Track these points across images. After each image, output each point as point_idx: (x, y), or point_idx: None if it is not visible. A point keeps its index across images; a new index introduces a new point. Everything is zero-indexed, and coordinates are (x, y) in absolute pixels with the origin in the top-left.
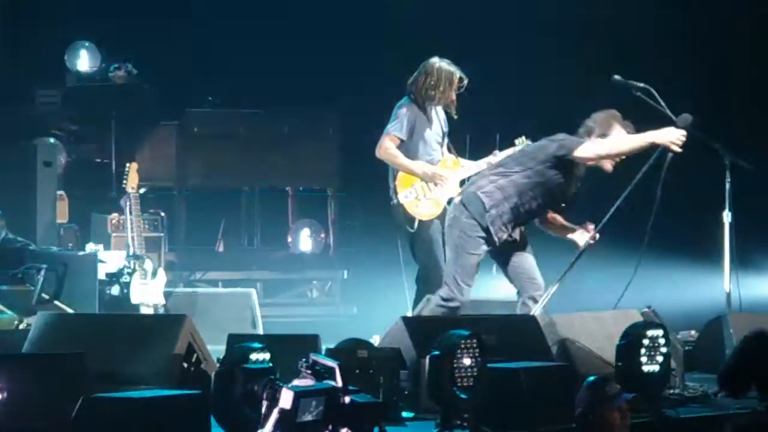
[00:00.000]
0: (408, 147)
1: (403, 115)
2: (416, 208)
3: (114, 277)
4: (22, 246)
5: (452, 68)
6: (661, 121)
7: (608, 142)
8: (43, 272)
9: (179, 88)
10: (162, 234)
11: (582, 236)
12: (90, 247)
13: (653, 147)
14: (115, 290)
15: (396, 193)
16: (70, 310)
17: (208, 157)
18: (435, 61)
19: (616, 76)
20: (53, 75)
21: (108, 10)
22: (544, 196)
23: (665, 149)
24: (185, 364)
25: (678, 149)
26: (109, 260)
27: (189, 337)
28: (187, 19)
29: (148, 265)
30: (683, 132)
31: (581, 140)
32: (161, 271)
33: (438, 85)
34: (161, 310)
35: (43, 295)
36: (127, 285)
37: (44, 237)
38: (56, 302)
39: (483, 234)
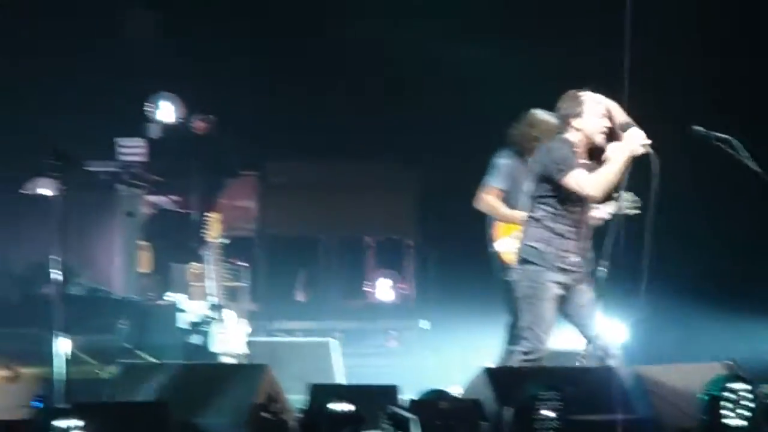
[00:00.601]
0: (508, 197)
1: (502, 166)
2: (512, 257)
3: (195, 327)
4: (103, 295)
5: (554, 120)
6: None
7: (595, 177)
8: (124, 322)
9: (259, 138)
10: (243, 283)
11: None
12: (169, 296)
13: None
14: (196, 339)
15: (492, 241)
16: (151, 359)
17: (288, 207)
18: (538, 112)
19: (697, 127)
20: (136, 125)
21: (190, 61)
22: (564, 201)
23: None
24: (265, 414)
25: (647, 147)
26: (190, 309)
27: (269, 386)
28: (266, 72)
29: (229, 314)
30: (639, 131)
31: (571, 168)
32: (242, 321)
33: (540, 137)
34: (243, 360)
35: (125, 344)
36: (208, 334)
37: (125, 286)
38: (138, 351)
39: (550, 276)
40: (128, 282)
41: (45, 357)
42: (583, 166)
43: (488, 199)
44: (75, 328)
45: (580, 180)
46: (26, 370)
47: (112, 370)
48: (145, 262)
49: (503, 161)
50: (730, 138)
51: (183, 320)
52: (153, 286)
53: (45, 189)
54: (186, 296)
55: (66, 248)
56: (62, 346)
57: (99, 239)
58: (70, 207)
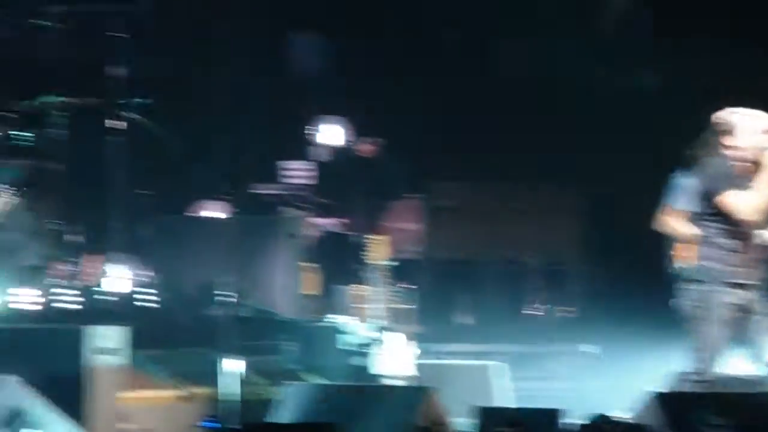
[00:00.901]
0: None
1: (681, 186)
2: None
3: (359, 348)
4: (269, 317)
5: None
6: None
7: (751, 200)
8: (289, 343)
9: (424, 161)
10: (408, 306)
11: None
12: (335, 318)
13: None
14: (360, 361)
15: (674, 262)
16: (316, 380)
17: (452, 230)
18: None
19: None
20: (303, 148)
21: (356, 83)
22: (729, 218)
23: None
24: None
25: None
26: (354, 331)
27: (432, 408)
28: (431, 93)
29: (394, 336)
30: None
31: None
32: (407, 343)
33: (705, 154)
34: (409, 382)
35: (290, 365)
36: (373, 356)
37: (290, 308)
38: (302, 372)
39: (720, 296)
40: (292, 303)
41: (215, 377)
42: (741, 185)
43: (669, 221)
44: (243, 348)
45: (735, 202)
46: (198, 391)
47: (278, 390)
48: (309, 283)
49: (684, 180)
50: None
51: (345, 342)
52: (317, 308)
53: (214, 211)
54: (349, 318)
55: (234, 270)
56: (234, 367)
57: (263, 261)
58: (237, 229)
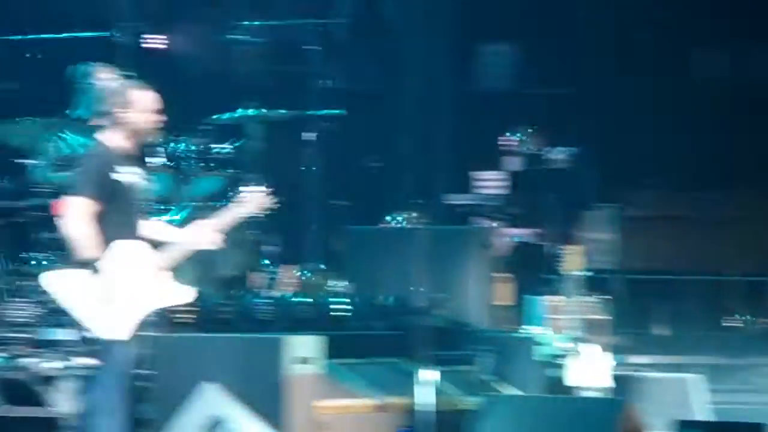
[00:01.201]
0: None
1: None
2: None
3: (554, 360)
4: (462, 327)
5: None
6: None
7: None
8: (485, 354)
9: (618, 170)
10: (603, 316)
11: None
12: (529, 329)
13: None
14: (554, 372)
15: None
16: (512, 392)
17: (647, 240)
18: None
19: None
20: (492, 158)
21: (546, 93)
22: None
23: None
24: None
25: None
26: (549, 342)
27: (629, 421)
28: (624, 103)
29: (589, 348)
30: None
31: None
32: (601, 354)
33: None
34: (605, 394)
35: (486, 376)
36: (568, 368)
37: (484, 318)
38: (498, 384)
39: None
40: (484, 314)
41: (410, 387)
42: None
43: None
44: (438, 359)
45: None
46: (393, 401)
47: (476, 401)
48: (503, 294)
49: None
50: None
51: (541, 353)
52: (511, 319)
53: (405, 222)
54: (544, 329)
55: (428, 280)
56: (429, 377)
57: (457, 271)
58: (429, 240)
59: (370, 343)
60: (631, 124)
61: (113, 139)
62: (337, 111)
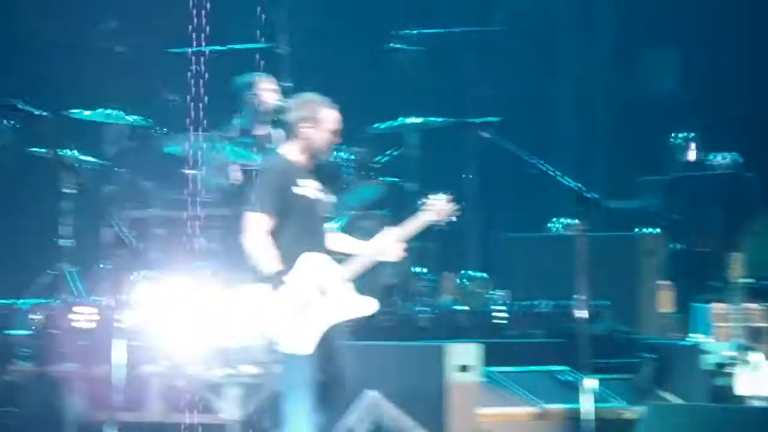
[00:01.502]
0: None
1: None
2: None
3: (720, 368)
4: (627, 335)
5: None
6: None
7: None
8: (649, 362)
9: None
10: None
11: None
12: (694, 336)
13: None
14: (721, 381)
15: None
16: (676, 401)
17: None
18: None
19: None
20: (655, 164)
21: (709, 97)
22: None
23: None
24: None
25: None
26: (714, 351)
27: None
28: None
29: (756, 356)
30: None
31: None
32: None
33: None
34: None
35: (650, 384)
36: (734, 376)
37: (647, 326)
38: (662, 392)
39: None
40: (651, 322)
41: (570, 395)
42: None
43: None
44: (598, 367)
45: None
46: (553, 408)
47: (639, 410)
48: (666, 301)
49: None
50: None
51: (707, 362)
52: (676, 327)
53: (566, 230)
54: (709, 337)
55: (590, 288)
56: (590, 385)
57: (620, 279)
58: (592, 247)
59: (530, 351)
60: None
61: (293, 152)
62: (495, 118)
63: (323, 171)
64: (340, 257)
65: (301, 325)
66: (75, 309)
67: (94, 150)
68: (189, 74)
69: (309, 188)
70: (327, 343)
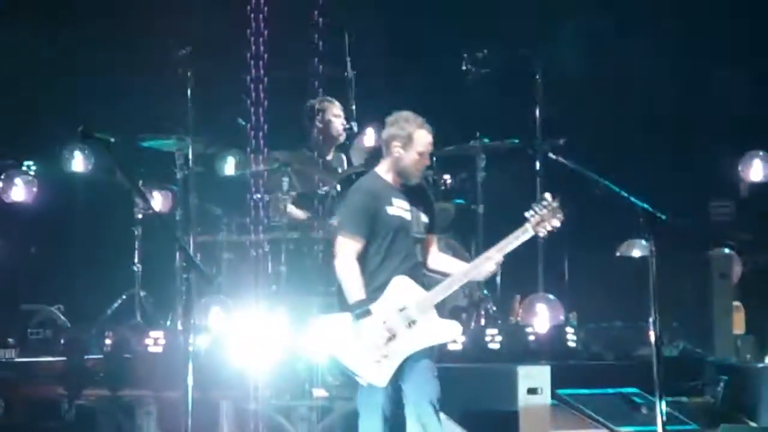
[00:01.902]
0: None
1: None
2: None
3: None
4: (699, 357)
5: None
6: None
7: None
8: (722, 384)
9: None
10: None
11: None
12: None
13: None
14: None
15: None
16: (752, 424)
17: None
18: None
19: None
20: (727, 186)
21: None
22: None
23: None
24: None
25: None
26: None
27: None
28: None
29: None
30: None
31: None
32: None
33: None
34: None
35: (724, 407)
36: None
37: (721, 348)
38: (738, 415)
39: None
40: (725, 344)
41: (643, 419)
42: None
43: None
44: (670, 389)
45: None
46: (625, 430)
47: None
48: (740, 323)
49: None
50: None
51: None
52: (749, 348)
53: (637, 251)
54: None
55: (662, 309)
56: (659, 408)
57: (694, 301)
58: (663, 269)
59: (601, 373)
60: None
61: (384, 170)
62: (561, 139)
63: (414, 190)
64: (428, 280)
65: (382, 358)
66: (148, 333)
67: (164, 176)
68: (256, 99)
69: (401, 208)
70: (403, 371)
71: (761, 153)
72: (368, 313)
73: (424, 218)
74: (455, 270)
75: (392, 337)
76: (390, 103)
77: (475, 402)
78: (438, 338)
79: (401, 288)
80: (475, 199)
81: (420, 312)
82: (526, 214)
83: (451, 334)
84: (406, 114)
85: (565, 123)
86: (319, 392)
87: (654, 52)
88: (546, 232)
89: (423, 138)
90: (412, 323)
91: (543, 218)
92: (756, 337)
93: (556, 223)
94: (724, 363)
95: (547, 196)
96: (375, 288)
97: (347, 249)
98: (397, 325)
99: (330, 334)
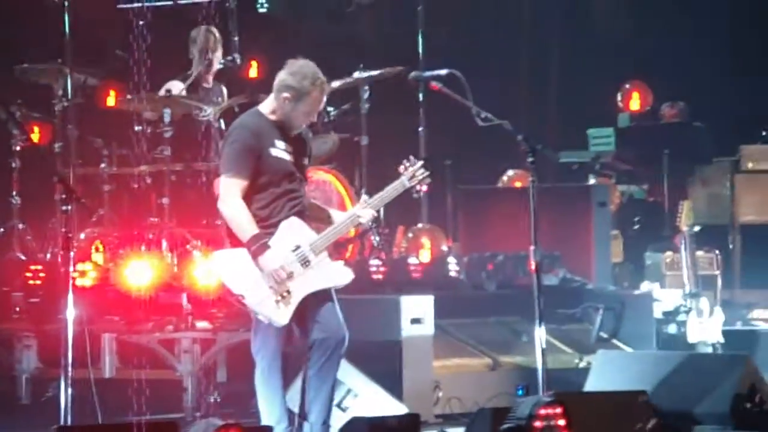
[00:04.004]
0: None
1: None
2: None
3: (670, 316)
4: (579, 285)
5: None
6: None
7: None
8: (600, 311)
9: (732, 123)
10: (717, 272)
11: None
12: (645, 286)
13: None
14: (671, 329)
15: None
16: (628, 349)
17: (763, 193)
18: None
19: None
20: (606, 116)
21: (659, 47)
22: None
23: None
24: (747, 405)
25: None
26: (665, 299)
27: (750, 376)
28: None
29: (704, 303)
30: None
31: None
32: (717, 310)
33: None
34: (719, 349)
35: (601, 333)
36: (684, 324)
37: (600, 276)
38: (614, 341)
39: None
40: (603, 272)
41: (524, 347)
42: None
43: None
44: (551, 317)
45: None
46: (506, 359)
47: (590, 359)
48: (617, 251)
49: None
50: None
51: (658, 310)
52: (627, 276)
53: (517, 181)
54: (660, 285)
55: (541, 239)
56: (541, 336)
57: (574, 230)
58: (544, 198)
59: (485, 302)
60: (740, 74)
61: (269, 111)
62: (444, 70)
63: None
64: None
65: (281, 296)
66: (27, 266)
67: (42, 107)
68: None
69: (283, 150)
70: (300, 313)
71: (639, 82)
72: (266, 247)
73: (304, 161)
74: (332, 217)
75: (290, 275)
76: (272, 36)
77: (358, 332)
78: (332, 281)
79: (294, 229)
80: (359, 132)
81: (313, 253)
82: (400, 169)
83: (344, 278)
84: (310, 69)
85: (451, 54)
86: (204, 324)
87: None
88: (415, 186)
89: (316, 100)
90: (306, 263)
91: (414, 174)
92: (633, 264)
93: (426, 181)
94: (603, 291)
95: (411, 158)
96: (265, 229)
97: (231, 188)
98: (293, 265)
99: (228, 270)
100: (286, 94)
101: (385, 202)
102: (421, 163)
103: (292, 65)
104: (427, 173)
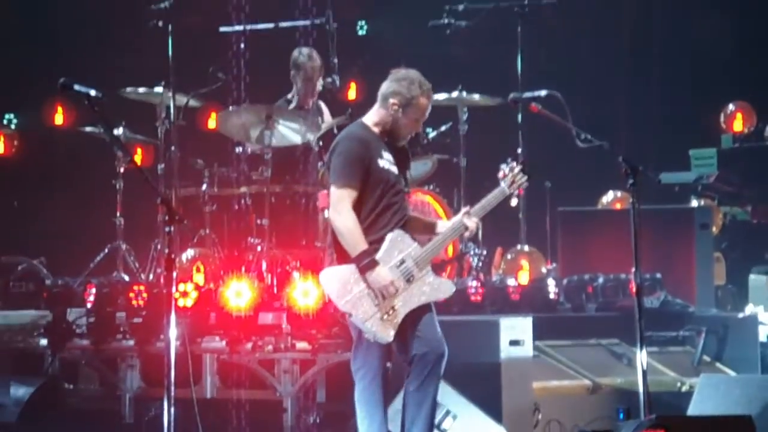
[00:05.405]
0: None
1: None
2: None
3: None
4: (680, 308)
5: None
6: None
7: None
8: (703, 334)
9: None
10: None
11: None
12: (749, 308)
13: None
14: None
15: None
16: (732, 373)
17: None
18: None
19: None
20: (708, 137)
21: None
22: None
23: None
24: None
25: None
26: None
27: None
28: None
29: None
30: None
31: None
32: None
33: None
34: None
35: (704, 357)
36: None
37: (702, 299)
38: (717, 364)
39: None
40: (706, 294)
41: (624, 369)
42: None
43: None
44: (651, 340)
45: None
46: (606, 381)
47: (693, 382)
48: (720, 274)
49: None
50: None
51: (763, 333)
52: (729, 299)
53: (617, 203)
54: (764, 309)
55: (642, 262)
56: (643, 358)
57: (675, 252)
58: (645, 220)
59: (582, 325)
60: None
61: (373, 123)
62: (543, 91)
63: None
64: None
65: (387, 313)
66: (131, 287)
67: (146, 129)
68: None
69: (389, 162)
70: (400, 327)
71: (742, 103)
72: (375, 263)
73: (408, 174)
74: (435, 227)
75: (396, 292)
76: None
77: (457, 354)
78: (434, 295)
79: (399, 242)
80: (457, 153)
81: (417, 268)
82: (499, 175)
83: (446, 292)
84: (416, 76)
85: (548, 74)
86: (303, 344)
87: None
88: (519, 191)
89: (423, 107)
90: (410, 278)
91: (514, 179)
92: (736, 287)
93: (524, 185)
94: (705, 314)
95: (511, 161)
96: (371, 243)
97: (344, 199)
98: (398, 281)
99: (335, 287)
100: (393, 101)
101: (487, 210)
102: (519, 168)
103: (396, 73)
104: (526, 177)
